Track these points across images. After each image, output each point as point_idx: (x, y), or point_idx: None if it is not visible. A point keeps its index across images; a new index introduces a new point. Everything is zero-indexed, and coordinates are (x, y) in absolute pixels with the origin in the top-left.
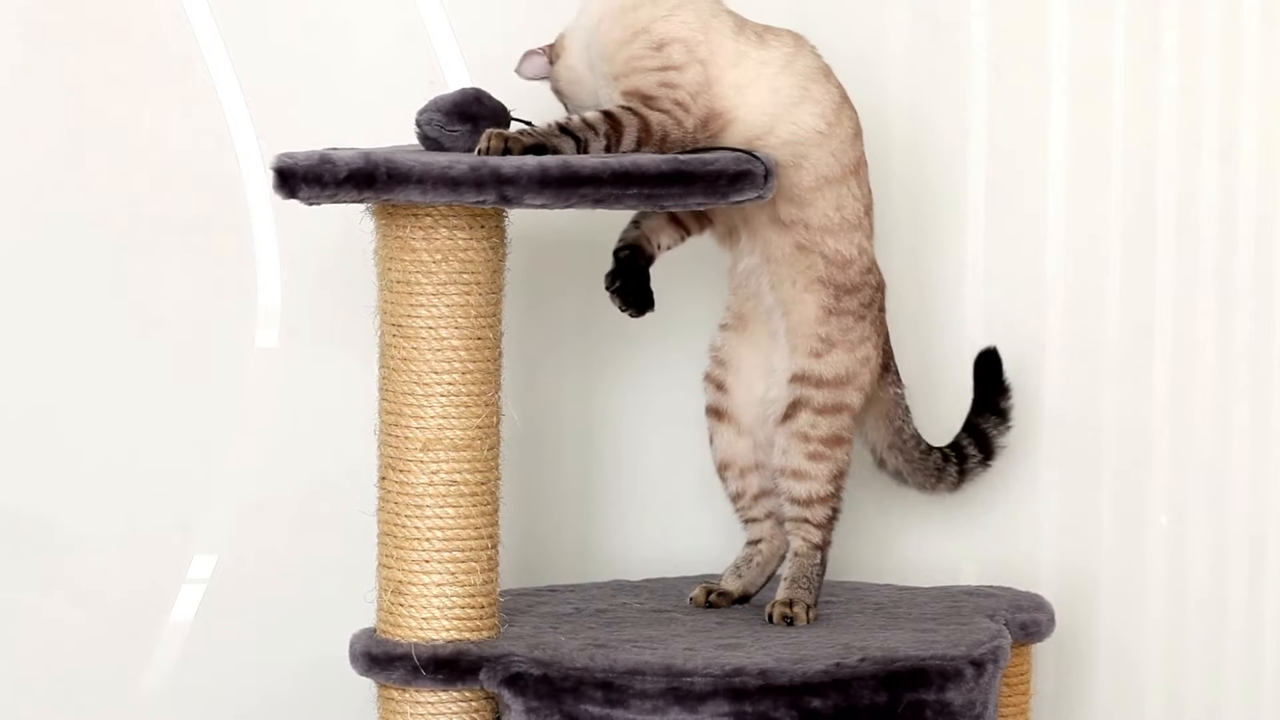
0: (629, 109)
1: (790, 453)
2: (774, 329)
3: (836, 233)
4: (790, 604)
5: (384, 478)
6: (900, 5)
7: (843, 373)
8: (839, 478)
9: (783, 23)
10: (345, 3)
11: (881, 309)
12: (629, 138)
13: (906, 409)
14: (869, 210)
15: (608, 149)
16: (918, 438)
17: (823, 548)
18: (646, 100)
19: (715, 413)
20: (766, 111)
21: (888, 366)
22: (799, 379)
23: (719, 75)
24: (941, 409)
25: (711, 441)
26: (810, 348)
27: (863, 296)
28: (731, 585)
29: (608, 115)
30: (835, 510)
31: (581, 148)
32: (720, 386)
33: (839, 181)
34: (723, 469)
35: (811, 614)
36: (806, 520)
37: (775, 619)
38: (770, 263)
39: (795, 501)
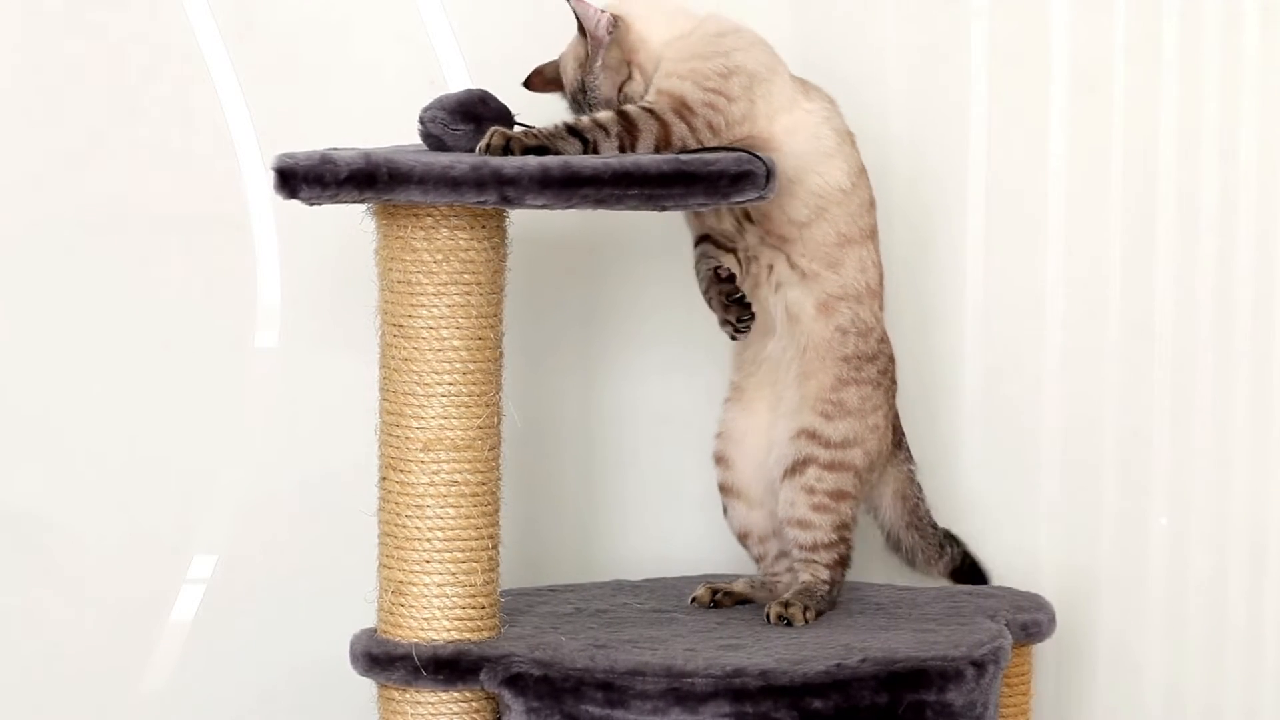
0: (650, 112)
1: (796, 504)
2: (780, 394)
3: (862, 298)
4: (787, 605)
5: (384, 478)
6: (900, 5)
7: (851, 437)
8: (844, 528)
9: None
10: (345, 3)
11: (893, 380)
12: (645, 142)
13: (919, 486)
14: (882, 281)
15: (621, 150)
16: (930, 515)
17: (832, 585)
18: (682, 108)
19: (725, 489)
20: (803, 156)
21: (899, 444)
22: (808, 435)
23: (773, 114)
24: (942, 411)
25: (726, 514)
26: (822, 410)
27: (879, 364)
28: (739, 587)
29: (622, 115)
30: (842, 556)
31: (590, 149)
32: (724, 462)
33: (858, 243)
34: (743, 538)
35: (809, 615)
36: (815, 561)
37: (772, 619)
38: (806, 351)
39: (802, 548)
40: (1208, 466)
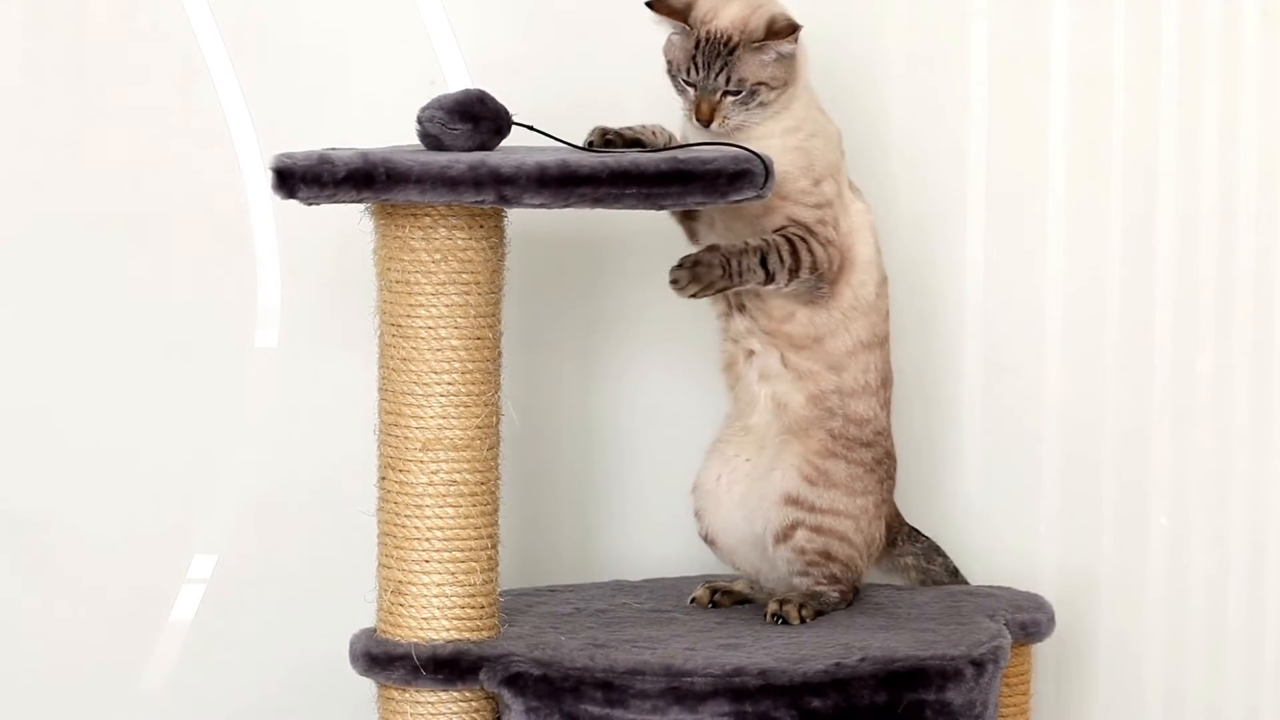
0: (801, 236)
1: (793, 563)
2: (763, 458)
3: (857, 393)
4: (783, 603)
5: (384, 477)
6: (900, 5)
7: (839, 508)
8: (839, 580)
9: None
10: (345, 3)
11: (889, 476)
12: (805, 269)
13: (929, 552)
14: (887, 383)
15: (789, 278)
16: (947, 569)
17: (841, 598)
18: (810, 232)
19: (706, 539)
20: (860, 266)
21: (894, 541)
22: (792, 501)
23: (844, 213)
24: (942, 412)
25: (717, 555)
26: (806, 474)
27: (874, 453)
28: (739, 587)
29: (789, 241)
30: (843, 594)
31: (769, 277)
32: (699, 515)
33: (870, 349)
34: (735, 569)
35: (804, 613)
36: (820, 590)
37: (767, 617)
38: (791, 426)
39: (806, 588)
40: (1208, 466)
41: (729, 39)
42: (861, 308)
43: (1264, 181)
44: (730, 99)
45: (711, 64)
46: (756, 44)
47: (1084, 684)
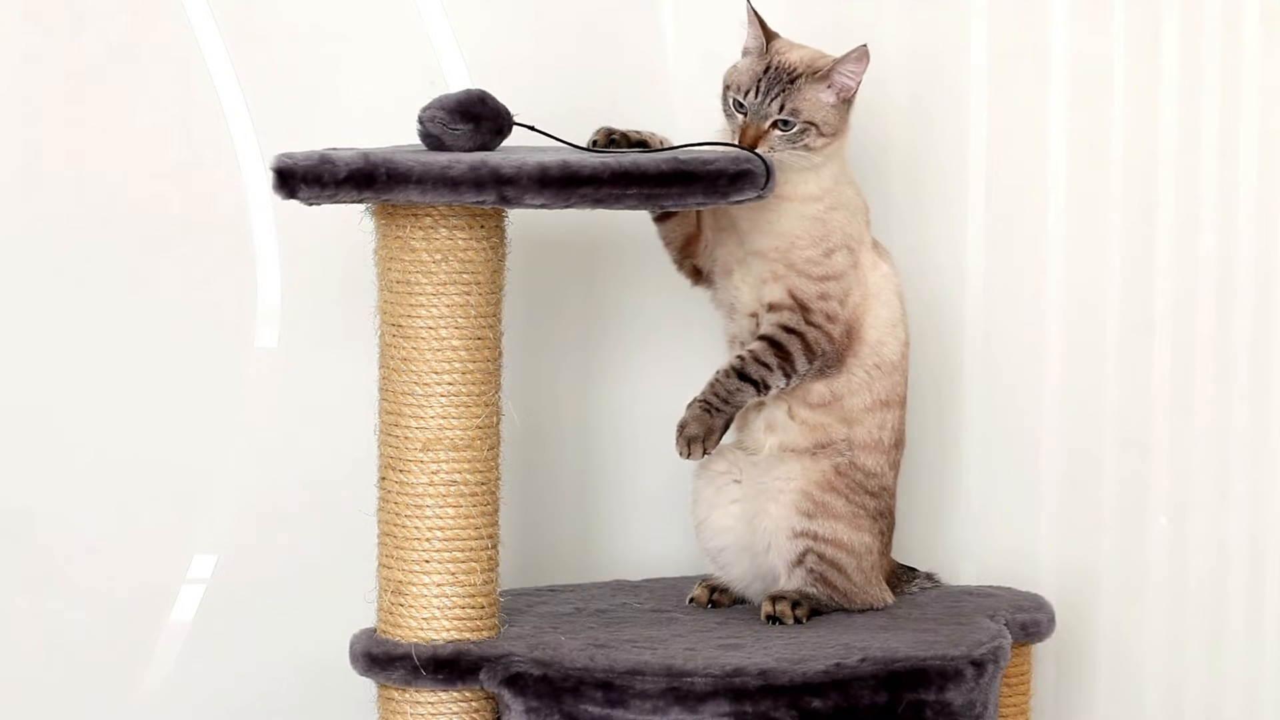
0: (789, 329)
1: (805, 579)
2: (761, 488)
3: (868, 448)
4: (775, 601)
5: (384, 478)
6: (900, 5)
7: (842, 539)
8: (845, 596)
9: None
10: (345, 3)
11: (886, 534)
12: (801, 362)
13: (925, 579)
14: (899, 445)
15: (787, 379)
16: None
17: (834, 604)
18: (804, 311)
19: (706, 551)
20: (879, 328)
21: (896, 587)
22: (798, 534)
23: (859, 283)
24: (942, 412)
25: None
26: (806, 509)
27: (877, 505)
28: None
29: (773, 344)
30: (844, 607)
31: (762, 385)
32: (698, 532)
33: (887, 408)
34: (731, 581)
35: (799, 612)
36: (813, 595)
37: (762, 617)
38: (799, 462)
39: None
40: (1208, 466)
41: (794, 70)
42: (885, 367)
43: (1264, 181)
44: (778, 132)
45: (770, 90)
46: (821, 74)
47: (1084, 684)
